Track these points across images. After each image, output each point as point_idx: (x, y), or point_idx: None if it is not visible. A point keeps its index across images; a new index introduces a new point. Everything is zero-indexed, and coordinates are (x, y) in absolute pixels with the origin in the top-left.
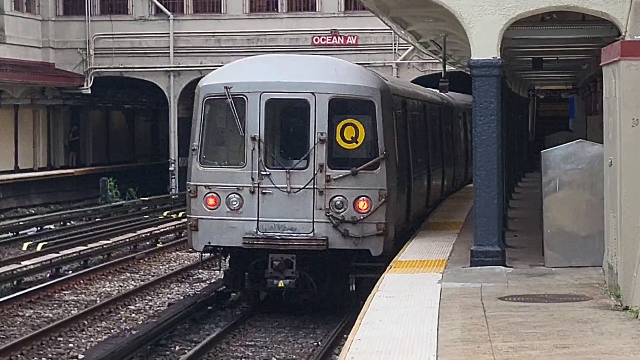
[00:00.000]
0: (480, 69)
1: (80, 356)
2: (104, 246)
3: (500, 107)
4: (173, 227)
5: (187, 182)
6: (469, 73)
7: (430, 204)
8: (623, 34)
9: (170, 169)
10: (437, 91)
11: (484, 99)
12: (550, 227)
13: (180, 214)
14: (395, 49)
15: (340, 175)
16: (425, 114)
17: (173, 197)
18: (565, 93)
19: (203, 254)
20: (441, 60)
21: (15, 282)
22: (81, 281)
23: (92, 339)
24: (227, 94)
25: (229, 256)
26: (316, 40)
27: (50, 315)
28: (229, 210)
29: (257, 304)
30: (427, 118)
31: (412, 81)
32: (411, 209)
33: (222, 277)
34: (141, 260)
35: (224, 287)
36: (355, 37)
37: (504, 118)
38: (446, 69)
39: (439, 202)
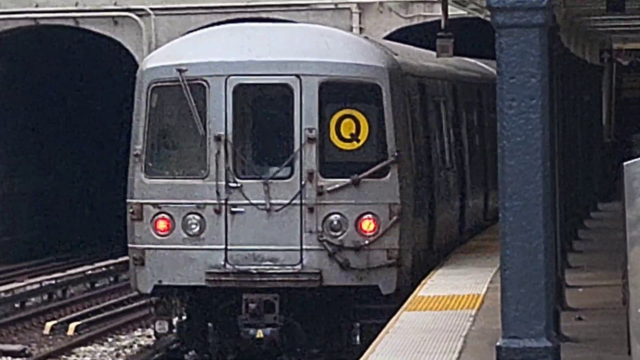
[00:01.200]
0: (510, 12)
1: None
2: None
3: (548, 84)
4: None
5: (128, 200)
6: (489, 20)
7: (466, 227)
8: None
9: None
10: (477, 62)
11: (517, 70)
12: None
13: None
14: None
15: (337, 186)
16: (456, 99)
17: None
18: None
19: (152, 298)
20: None
21: None
22: None
23: None
24: (180, 79)
25: (186, 299)
26: None
27: None
28: (186, 236)
29: None
30: (458, 105)
31: (392, 35)
32: (436, 231)
33: (174, 329)
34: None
35: (178, 342)
36: None
37: (556, 103)
38: (449, 13)
39: (480, 226)
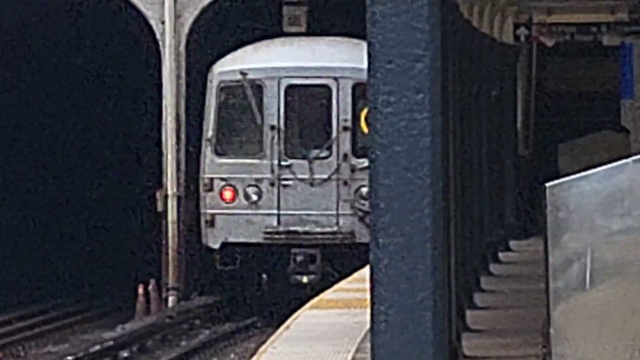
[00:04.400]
0: None
1: None
2: None
3: (440, 72)
4: None
5: (200, 175)
6: None
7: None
8: None
9: None
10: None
11: (396, 52)
12: None
13: None
14: None
15: (366, 164)
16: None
17: None
18: (611, 35)
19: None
20: None
21: None
22: None
23: None
24: (243, 80)
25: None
26: None
27: None
28: (247, 203)
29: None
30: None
31: (205, 9)
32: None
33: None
34: None
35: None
36: None
37: (452, 99)
38: None
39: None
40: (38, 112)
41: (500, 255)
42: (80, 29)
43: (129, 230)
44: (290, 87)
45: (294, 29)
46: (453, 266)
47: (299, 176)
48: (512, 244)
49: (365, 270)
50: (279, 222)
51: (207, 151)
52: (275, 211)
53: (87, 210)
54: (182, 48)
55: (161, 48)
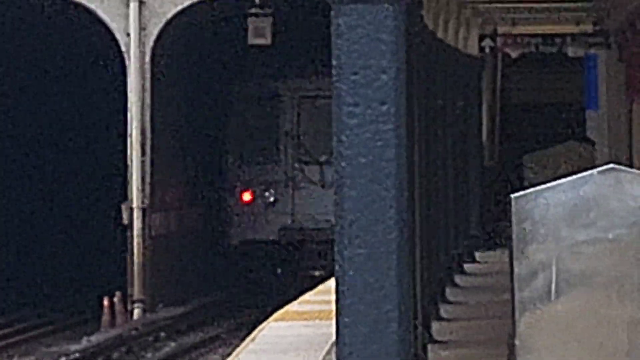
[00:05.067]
0: None
1: None
2: None
3: (405, 83)
4: None
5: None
6: None
7: None
8: None
9: None
10: None
11: (361, 63)
12: None
13: None
14: None
15: None
16: None
17: None
18: (575, 47)
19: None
20: None
21: None
22: None
23: None
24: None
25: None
26: None
27: None
28: (263, 204)
29: None
30: None
31: (170, 21)
32: None
33: None
34: None
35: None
36: None
37: (417, 111)
38: None
39: None
40: None
41: (466, 266)
42: (45, 41)
43: (95, 242)
44: (302, 99)
45: (259, 41)
46: (418, 277)
47: (312, 179)
48: (478, 255)
49: (331, 282)
50: (293, 221)
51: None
52: (290, 211)
53: (52, 222)
54: (147, 60)
55: (126, 60)
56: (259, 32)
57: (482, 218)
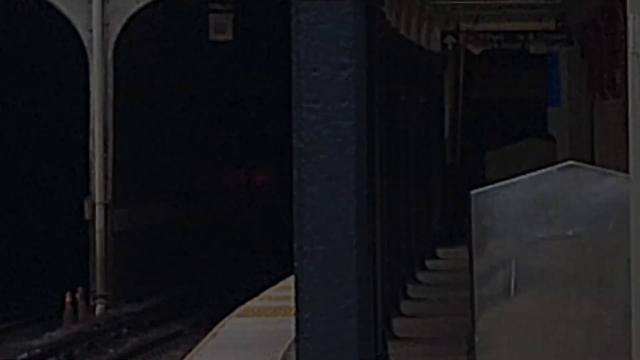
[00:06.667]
0: None
1: None
2: None
3: (366, 79)
4: None
5: None
6: None
7: None
8: None
9: None
10: None
11: (321, 59)
12: None
13: None
14: None
15: None
16: None
17: None
18: (538, 43)
19: None
20: None
21: None
22: None
23: None
24: None
25: None
26: None
27: None
28: None
29: None
30: None
31: (132, 17)
32: None
33: None
34: None
35: None
36: None
37: (378, 107)
38: None
39: None
40: None
41: (427, 262)
42: (6, 36)
43: (57, 238)
44: None
45: (220, 37)
46: (379, 274)
47: None
48: (439, 251)
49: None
50: None
51: None
52: None
53: (14, 217)
54: (109, 56)
55: (89, 56)
56: (221, 28)
57: (444, 215)
